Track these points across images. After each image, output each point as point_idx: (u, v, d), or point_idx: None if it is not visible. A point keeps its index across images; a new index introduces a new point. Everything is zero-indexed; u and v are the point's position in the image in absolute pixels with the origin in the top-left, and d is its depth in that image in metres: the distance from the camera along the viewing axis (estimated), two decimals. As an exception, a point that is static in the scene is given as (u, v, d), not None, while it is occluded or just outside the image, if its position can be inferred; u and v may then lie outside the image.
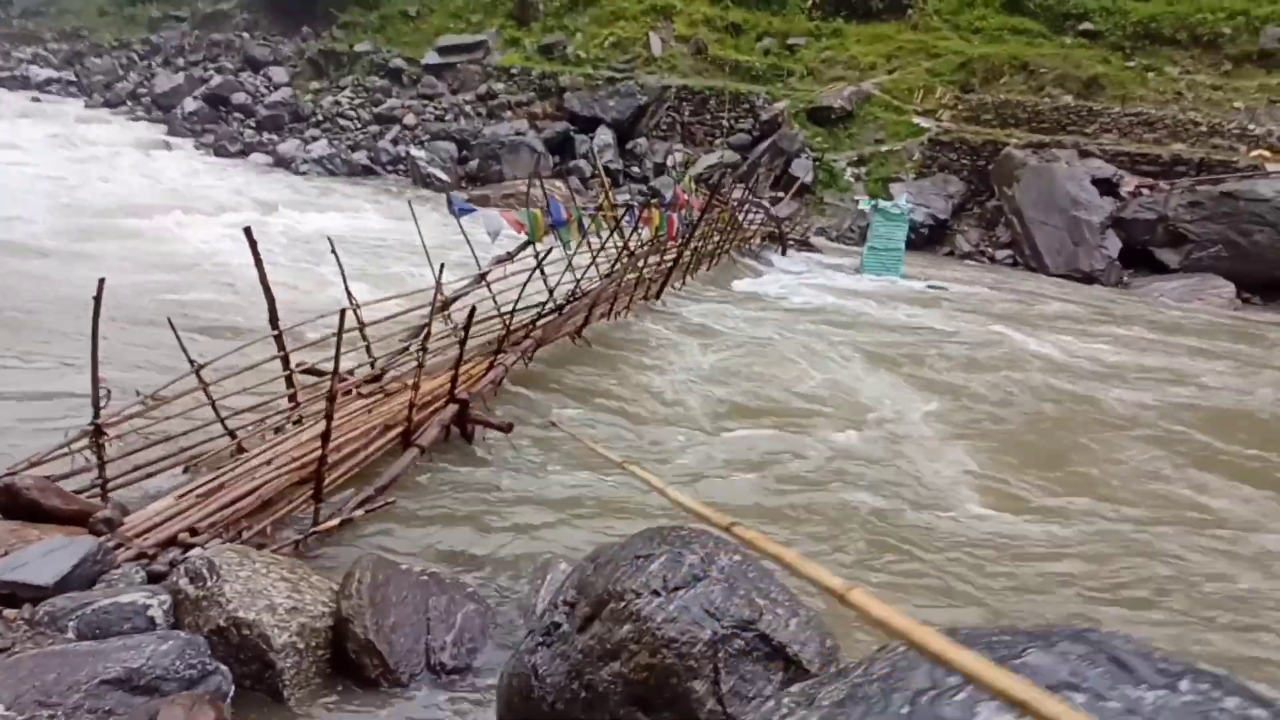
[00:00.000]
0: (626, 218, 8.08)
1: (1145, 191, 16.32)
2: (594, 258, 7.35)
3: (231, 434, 4.24)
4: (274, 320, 4.51)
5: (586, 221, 7.62)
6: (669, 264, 9.57)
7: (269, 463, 3.91)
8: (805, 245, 16.34)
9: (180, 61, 30.04)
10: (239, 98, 25.39)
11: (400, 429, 4.58)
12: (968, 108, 20.50)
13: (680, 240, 9.44)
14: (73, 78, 31.22)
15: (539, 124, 21.90)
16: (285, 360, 4.51)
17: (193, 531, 3.37)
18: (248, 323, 6.20)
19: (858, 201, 17.41)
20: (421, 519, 4.08)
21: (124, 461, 3.82)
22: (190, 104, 25.23)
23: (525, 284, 5.82)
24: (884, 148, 19.96)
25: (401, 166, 21.03)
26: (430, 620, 3.02)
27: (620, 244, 7.88)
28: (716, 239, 11.65)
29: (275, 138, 22.75)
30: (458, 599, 3.14)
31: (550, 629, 2.42)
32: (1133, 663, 1.22)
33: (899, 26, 23.93)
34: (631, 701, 2.05)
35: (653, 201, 11.92)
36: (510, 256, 7.40)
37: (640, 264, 8.56)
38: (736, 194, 12.71)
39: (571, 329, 7.33)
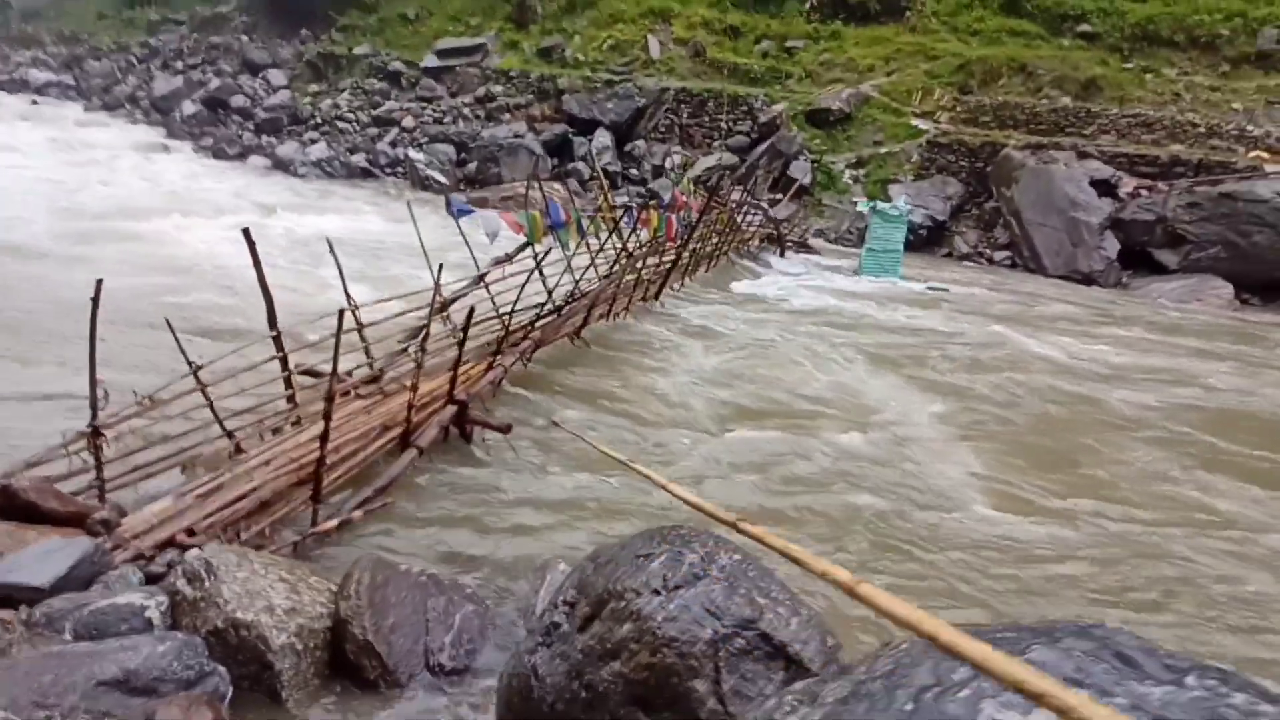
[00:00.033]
0: (625, 219, 8.07)
1: (1144, 193, 16.34)
2: (592, 259, 7.34)
3: (230, 435, 4.23)
4: (272, 321, 4.50)
5: (585, 223, 7.62)
6: (667, 265, 9.56)
7: (267, 463, 3.89)
8: (804, 247, 16.34)
9: (179, 65, 30.06)
10: (237, 101, 25.39)
11: (399, 430, 4.57)
12: (966, 109, 20.52)
13: (679, 241, 9.44)
14: (71, 81, 31.22)
15: (537, 126, 21.92)
16: (284, 361, 4.50)
17: (190, 533, 3.36)
18: (248, 325, 6.19)
19: (856, 203, 17.42)
20: (420, 520, 4.07)
21: (122, 463, 3.80)
22: (189, 107, 25.24)
23: (524, 285, 5.81)
24: (882, 150, 19.98)
25: (400, 169, 21.04)
26: (429, 621, 3.00)
27: (619, 245, 7.88)
28: (715, 241, 11.65)
29: (274, 140, 22.76)
30: (457, 600, 3.12)
31: (550, 629, 2.41)
32: (1138, 659, 1.21)
33: (897, 29, 23.97)
34: (632, 701, 2.04)
35: (651, 203, 11.92)
36: (509, 258, 7.40)
37: (639, 265, 8.55)
38: (735, 196, 12.71)
39: (570, 330, 7.32)
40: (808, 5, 25.26)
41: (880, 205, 14.70)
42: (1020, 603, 3.61)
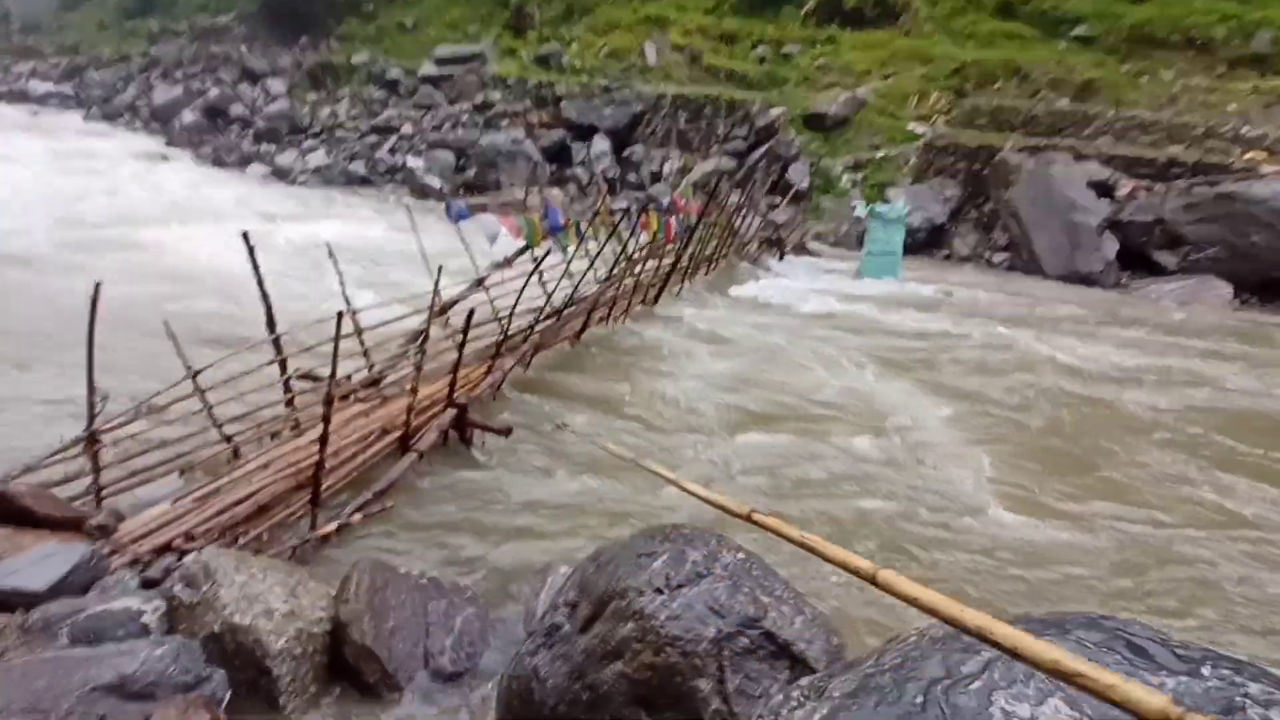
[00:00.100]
0: (624, 222, 8.07)
1: (1141, 194, 16.34)
2: (591, 262, 7.33)
3: (228, 439, 4.20)
4: (271, 325, 4.48)
5: (584, 226, 7.61)
6: (667, 269, 9.55)
7: (265, 468, 3.87)
8: (803, 250, 16.34)
9: (178, 74, 30.13)
10: (237, 109, 25.46)
11: (398, 434, 4.55)
12: (962, 113, 20.55)
13: (678, 244, 9.43)
14: (71, 91, 31.31)
15: (536, 133, 21.96)
16: (283, 365, 4.49)
17: (188, 537, 3.33)
18: (249, 333, 6.16)
19: (854, 206, 17.41)
20: (420, 523, 4.04)
21: (119, 468, 3.78)
22: (188, 116, 25.30)
23: (523, 289, 5.80)
24: (880, 153, 20.00)
25: (399, 176, 21.06)
26: (429, 624, 2.97)
27: (618, 249, 7.87)
28: (714, 244, 11.64)
29: (273, 148, 22.80)
30: (457, 603, 3.10)
31: (551, 630, 2.38)
32: (1150, 649, 1.18)
33: (892, 33, 24.04)
34: (635, 702, 2.01)
35: (649, 206, 11.93)
36: (508, 261, 7.39)
37: (638, 269, 8.54)
38: (733, 199, 12.71)
39: (570, 334, 7.31)
40: (803, 11, 25.36)
41: (879, 208, 14.69)
42: (1036, 605, 3.56)
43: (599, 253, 7.38)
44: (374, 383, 5.22)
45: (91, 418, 3.60)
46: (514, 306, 5.72)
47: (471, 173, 20.56)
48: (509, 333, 5.80)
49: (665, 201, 12.89)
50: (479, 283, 6.94)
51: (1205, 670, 1.13)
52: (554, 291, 6.57)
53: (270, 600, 2.76)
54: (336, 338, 3.61)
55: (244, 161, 21.73)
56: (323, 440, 3.58)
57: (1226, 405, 7.02)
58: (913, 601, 0.83)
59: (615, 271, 7.66)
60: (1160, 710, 0.57)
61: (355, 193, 19.53)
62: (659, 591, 2.13)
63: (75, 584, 2.86)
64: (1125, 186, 16.64)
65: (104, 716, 2.14)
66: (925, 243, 17.43)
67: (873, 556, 3.89)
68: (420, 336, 5.24)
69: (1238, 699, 1.08)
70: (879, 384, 7.02)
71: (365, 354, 5.42)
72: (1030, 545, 4.16)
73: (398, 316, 5.53)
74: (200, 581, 2.77)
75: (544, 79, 24.02)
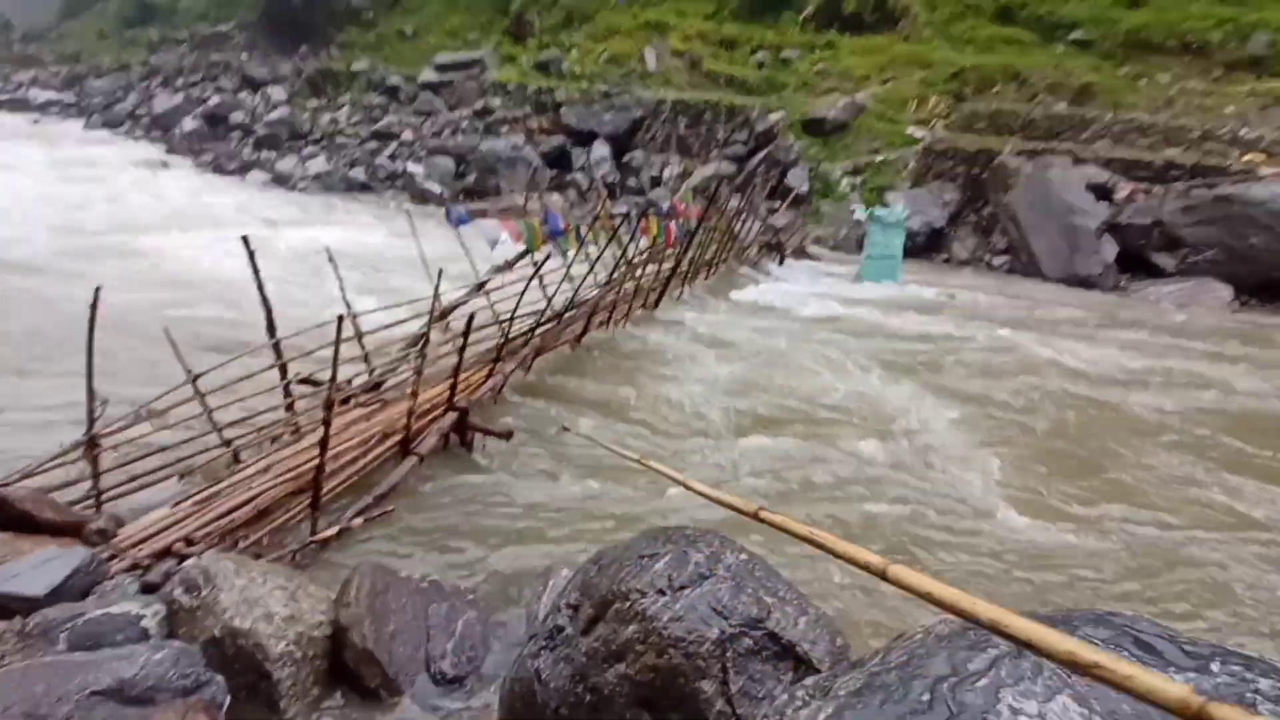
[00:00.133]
0: (624, 226, 8.07)
1: (1140, 197, 16.37)
2: (591, 266, 7.34)
3: (228, 444, 4.19)
4: (271, 330, 4.48)
5: (584, 230, 7.62)
6: (667, 273, 9.56)
7: (265, 472, 3.86)
8: (803, 254, 16.36)
9: (179, 82, 30.25)
10: (237, 116, 25.53)
11: (399, 437, 4.54)
12: (961, 117, 20.61)
13: (678, 248, 9.44)
14: (72, 99, 31.42)
15: (536, 138, 22.02)
16: (283, 370, 4.48)
17: (188, 542, 3.32)
18: (251, 338, 6.17)
19: (854, 211, 17.43)
20: (421, 527, 4.03)
21: (119, 472, 3.77)
22: (189, 123, 25.37)
23: (523, 292, 5.79)
24: (879, 157, 20.05)
25: (399, 182, 21.10)
26: (430, 628, 2.96)
27: (618, 253, 7.87)
28: (714, 248, 11.65)
29: (273, 155, 22.85)
30: (458, 606, 3.08)
31: (553, 632, 2.37)
32: (1159, 645, 1.17)
33: (891, 38, 24.13)
34: (638, 703, 2.00)
35: (650, 210, 11.94)
36: (509, 266, 7.40)
37: (638, 273, 8.54)
38: (733, 204, 12.73)
39: (570, 337, 7.30)
40: (802, 16, 25.45)
41: (878, 212, 14.71)
42: (1045, 606, 3.54)
43: (599, 257, 7.38)
44: (374, 387, 5.21)
45: (91, 422, 3.60)
46: (514, 310, 5.72)
47: (471, 179, 20.61)
48: (510, 336, 5.79)
49: (665, 206, 12.91)
50: (479, 287, 6.95)
51: (1215, 666, 1.12)
52: (554, 296, 6.57)
53: (270, 604, 2.74)
54: (337, 341, 3.61)
55: (244, 168, 21.78)
56: (323, 444, 3.57)
57: (1232, 407, 6.99)
58: (925, 596, 0.82)
59: (615, 276, 7.66)
60: (1180, 700, 0.56)
61: (355, 199, 19.57)
62: (661, 593, 2.11)
63: (74, 589, 2.85)
64: (1124, 189, 16.67)
65: (103, 721, 2.13)
66: (924, 246, 17.45)
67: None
68: (420, 340, 5.24)
69: (1248, 695, 1.07)
70: (884, 387, 6.99)
71: (365, 358, 5.41)
72: (1039, 547, 4.14)
73: (398, 321, 5.53)
74: (200, 586, 2.75)
75: (544, 85, 24.11)
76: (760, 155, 20.05)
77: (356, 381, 5.21)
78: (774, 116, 21.13)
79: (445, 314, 6.24)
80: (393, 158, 22.29)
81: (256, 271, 4.33)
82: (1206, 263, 15.10)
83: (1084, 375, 7.82)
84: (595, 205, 13.57)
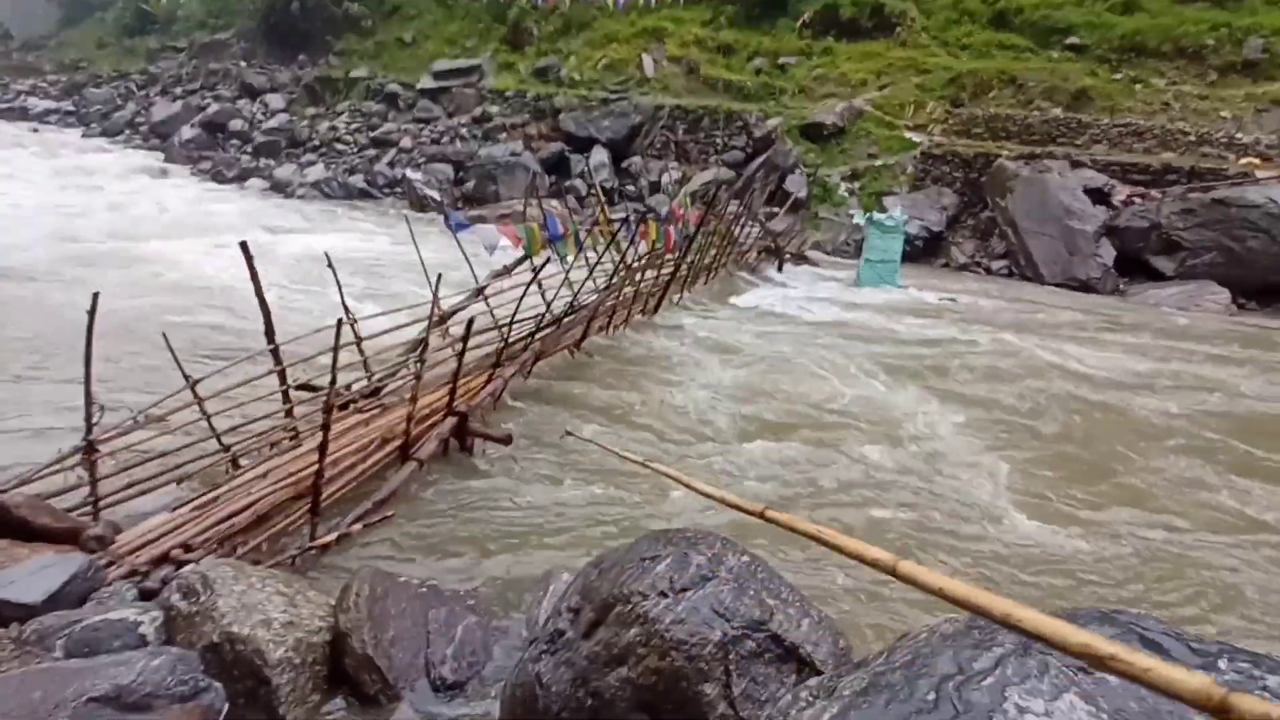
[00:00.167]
0: (623, 231, 8.08)
1: (1137, 200, 16.41)
2: (590, 271, 7.34)
3: (226, 449, 4.18)
4: (270, 335, 4.47)
5: (583, 235, 7.62)
6: (666, 278, 9.56)
7: (264, 477, 3.84)
8: (801, 259, 16.38)
9: (178, 90, 30.29)
10: (236, 124, 25.58)
11: (398, 442, 4.52)
12: (958, 122, 20.69)
13: (677, 253, 9.44)
14: (71, 108, 31.44)
15: (534, 145, 22.06)
16: (282, 375, 4.47)
17: (187, 548, 3.30)
18: (252, 345, 6.18)
19: (852, 215, 17.48)
20: (421, 532, 4.01)
21: (117, 479, 3.76)
22: (187, 131, 25.40)
23: (522, 297, 5.79)
24: (877, 162, 20.10)
25: (399, 189, 21.14)
26: (430, 633, 2.94)
27: (617, 257, 7.87)
28: (713, 253, 11.66)
29: (272, 163, 22.88)
30: (458, 611, 3.06)
31: (554, 636, 2.35)
32: (1165, 643, 1.17)
33: (888, 44, 24.23)
34: (640, 707, 1.98)
35: (648, 215, 11.95)
36: (508, 270, 7.40)
37: (638, 277, 8.54)
38: (732, 208, 12.75)
39: (570, 342, 7.30)
40: (800, 23, 25.56)
41: (877, 216, 14.74)
42: (1052, 609, 3.52)
43: (598, 262, 7.39)
44: (374, 392, 5.19)
45: (89, 428, 3.58)
46: (514, 315, 5.71)
47: (470, 185, 20.64)
48: (509, 341, 5.78)
49: (664, 211, 12.92)
50: (479, 292, 6.94)
51: (1222, 664, 1.11)
52: (553, 300, 6.56)
53: (269, 610, 2.72)
54: (336, 346, 3.60)
55: (243, 176, 21.80)
56: (322, 449, 3.56)
57: (1239, 410, 6.98)
58: (937, 592, 0.81)
59: (614, 280, 7.66)
60: (1200, 691, 0.55)
61: (355, 206, 19.60)
62: (663, 595, 2.10)
63: (72, 595, 2.83)
64: (1121, 193, 16.72)
65: (100, 728, 2.11)
66: (923, 250, 17.49)
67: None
68: (420, 346, 5.23)
69: (1256, 692, 1.06)
70: (890, 392, 6.98)
71: (365, 364, 5.40)
72: (1047, 551, 4.12)
73: (398, 325, 5.52)
74: (198, 591, 2.74)
75: (542, 92, 24.18)
76: (758, 161, 20.10)
77: (356, 387, 5.20)
78: (772, 122, 21.19)
79: (444, 319, 6.23)
80: (391, 165, 22.32)
81: (255, 276, 4.32)
82: (1204, 266, 15.14)
83: (1089, 379, 7.81)
84: (594, 211, 13.59)
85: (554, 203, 17.33)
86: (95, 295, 3.51)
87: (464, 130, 23.68)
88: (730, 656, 1.96)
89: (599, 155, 21.29)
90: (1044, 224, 16.47)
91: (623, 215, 14.26)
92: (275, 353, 4.44)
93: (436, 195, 19.78)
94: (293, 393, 4.63)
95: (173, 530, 3.39)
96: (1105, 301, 14.51)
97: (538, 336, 6.30)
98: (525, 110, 23.89)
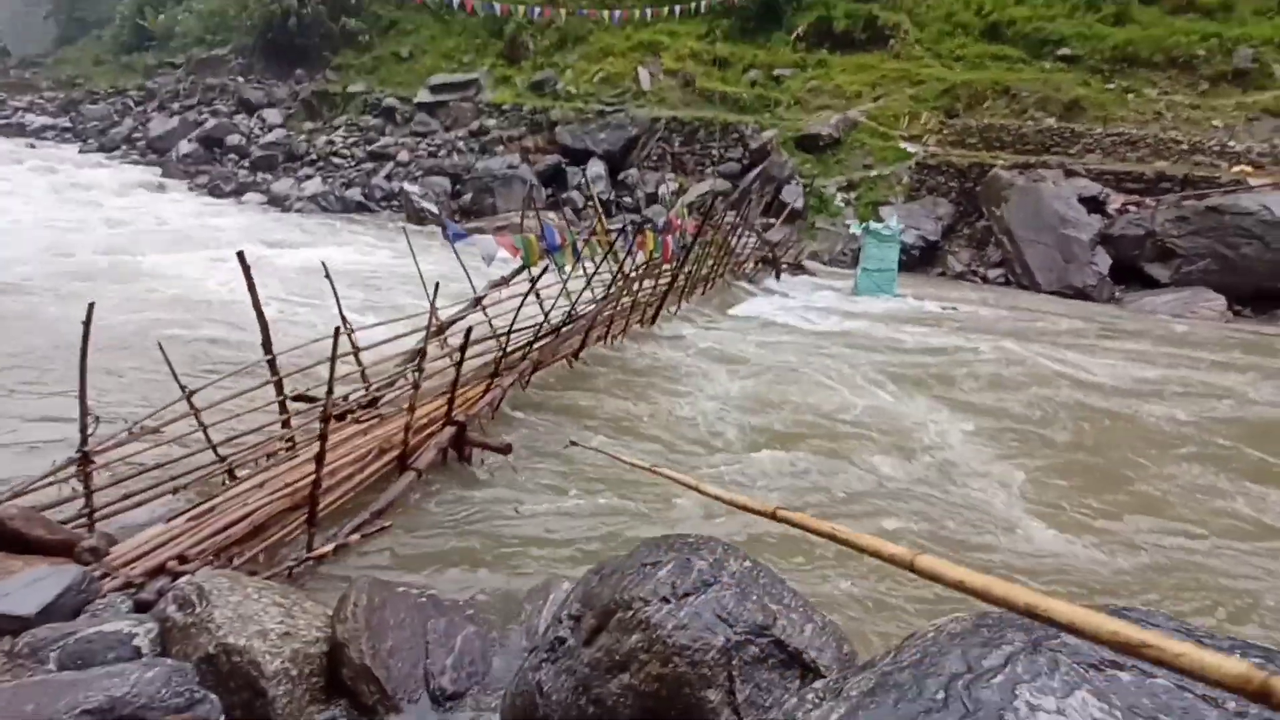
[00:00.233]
0: (620, 241, 8.09)
1: (1132, 208, 16.51)
2: (588, 281, 7.34)
3: (223, 460, 4.15)
4: (267, 346, 4.45)
5: (580, 245, 7.63)
6: (664, 288, 9.57)
7: (261, 488, 3.81)
8: (799, 269, 16.44)
9: (175, 106, 30.42)
10: (233, 139, 25.67)
11: (396, 453, 4.50)
12: (953, 132, 20.84)
13: (675, 262, 9.46)
14: (68, 124, 31.54)
15: (531, 157, 22.16)
16: (279, 385, 4.45)
17: (182, 559, 3.27)
18: (251, 358, 6.17)
19: (849, 225, 17.56)
20: (419, 542, 3.98)
21: (112, 490, 3.72)
22: (185, 146, 25.49)
23: (520, 307, 5.78)
24: (872, 172, 20.22)
25: (396, 202, 21.19)
26: (429, 644, 2.90)
27: (615, 267, 7.88)
28: (710, 263, 11.69)
29: (269, 177, 22.94)
30: (457, 621, 3.03)
31: (555, 644, 2.32)
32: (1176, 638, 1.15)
33: (882, 56, 24.44)
34: (642, 714, 1.95)
35: (646, 226, 11.98)
36: (505, 281, 7.40)
37: (635, 287, 8.55)
38: (729, 219, 12.79)
39: (568, 351, 7.29)
40: (794, 35, 25.79)
41: (873, 226, 14.81)
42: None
43: (595, 271, 7.39)
44: (371, 402, 5.17)
45: (84, 439, 3.55)
46: (511, 325, 5.70)
47: (467, 198, 20.71)
48: (507, 351, 5.77)
49: (661, 222, 12.96)
50: (476, 302, 6.94)
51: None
52: (551, 310, 6.56)
53: (265, 621, 2.69)
54: (333, 356, 3.58)
55: (240, 190, 21.85)
56: (319, 459, 3.53)
57: (1250, 416, 6.96)
58: (956, 585, 0.79)
59: (612, 290, 7.67)
60: (1241, 676, 0.53)
61: (352, 219, 19.64)
62: (665, 601, 2.08)
63: (66, 608, 2.79)
64: (1116, 201, 16.82)
65: (93, 741, 2.07)
66: (919, 259, 17.56)
67: (908, 577, 3.81)
68: (418, 355, 5.21)
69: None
70: (898, 401, 6.95)
71: (363, 374, 5.38)
72: (1064, 560, 4.09)
73: (396, 335, 5.51)
74: (194, 603, 2.70)
75: (539, 105, 24.32)
76: (755, 172, 20.20)
77: (353, 397, 5.17)
78: (767, 133, 21.33)
79: (442, 329, 6.22)
80: (389, 178, 22.40)
81: (252, 286, 4.31)
82: (1199, 273, 15.22)
83: (1096, 386, 7.80)
84: (591, 222, 13.63)
85: (551, 215, 17.40)
86: (90, 305, 3.50)
87: (461, 143, 23.79)
88: (733, 662, 1.94)
89: (596, 167, 21.38)
90: (1039, 232, 16.55)
91: (620, 226, 14.33)
92: (272, 363, 4.42)
93: (434, 208, 19.84)
94: (290, 403, 4.60)
95: (168, 541, 3.36)
96: (1102, 309, 14.55)
97: (535, 346, 6.28)
98: (522, 123, 24.02)
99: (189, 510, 3.64)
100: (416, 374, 4.57)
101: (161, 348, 4.26)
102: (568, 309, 6.92)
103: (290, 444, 4.44)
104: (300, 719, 2.57)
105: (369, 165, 23.36)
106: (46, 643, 2.53)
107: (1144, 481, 5.24)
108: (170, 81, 33.04)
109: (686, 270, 10.03)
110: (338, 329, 3.70)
